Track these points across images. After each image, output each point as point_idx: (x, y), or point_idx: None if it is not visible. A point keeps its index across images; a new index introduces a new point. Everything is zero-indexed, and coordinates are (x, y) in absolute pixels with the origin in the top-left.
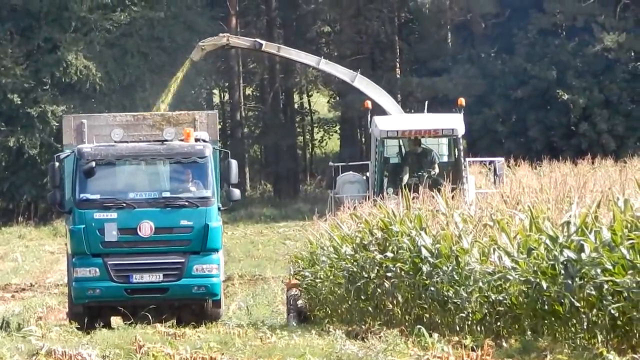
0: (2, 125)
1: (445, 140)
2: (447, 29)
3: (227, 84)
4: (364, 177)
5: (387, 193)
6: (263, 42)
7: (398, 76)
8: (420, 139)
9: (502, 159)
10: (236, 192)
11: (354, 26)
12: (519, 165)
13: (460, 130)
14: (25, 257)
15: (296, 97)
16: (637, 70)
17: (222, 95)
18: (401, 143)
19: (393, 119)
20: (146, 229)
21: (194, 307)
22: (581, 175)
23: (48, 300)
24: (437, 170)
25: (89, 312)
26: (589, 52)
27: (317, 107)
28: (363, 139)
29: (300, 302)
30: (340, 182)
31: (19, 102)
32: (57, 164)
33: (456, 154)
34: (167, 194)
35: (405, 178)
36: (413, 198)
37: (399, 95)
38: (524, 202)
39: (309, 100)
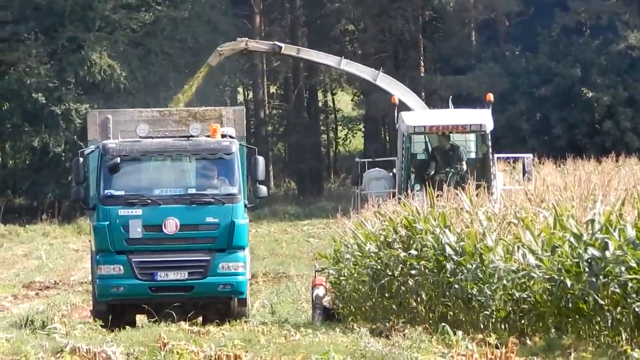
0: (26, 125)
1: (472, 137)
2: (471, 27)
3: (251, 82)
4: (390, 174)
5: (414, 190)
6: (282, 44)
7: (422, 74)
8: (448, 134)
9: (530, 156)
10: (263, 189)
11: (377, 25)
12: (542, 163)
13: (489, 125)
14: (50, 255)
15: (320, 95)
16: None
17: (246, 94)
18: (428, 139)
19: (420, 115)
20: (171, 226)
21: (219, 306)
22: (605, 173)
23: (72, 298)
24: (465, 166)
25: (112, 310)
26: (613, 50)
27: (340, 105)
28: (387, 137)
29: (326, 300)
30: (366, 178)
31: (44, 101)
32: (81, 159)
33: (484, 150)
34: (193, 191)
35: (432, 174)
36: (437, 196)
37: (422, 94)
38: (548, 200)
39: (332, 99)
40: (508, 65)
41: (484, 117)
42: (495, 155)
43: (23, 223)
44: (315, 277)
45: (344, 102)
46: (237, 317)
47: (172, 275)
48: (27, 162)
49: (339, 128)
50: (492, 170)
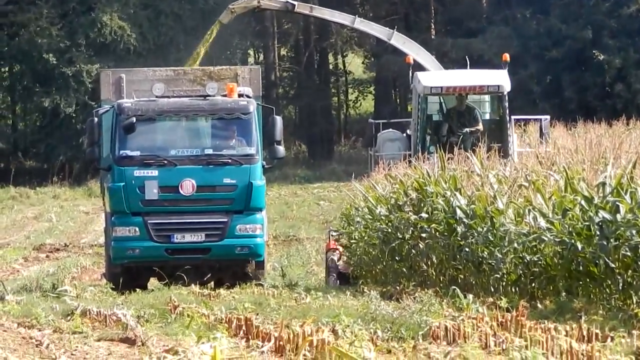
0: (37, 86)
1: (486, 98)
2: None
3: (261, 45)
4: (404, 135)
5: (429, 151)
6: (295, 2)
7: (433, 37)
8: (465, 95)
9: (547, 117)
10: (280, 150)
11: None
12: (553, 126)
13: (507, 86)
14: (60, 217)
15: (331, 58)
16: None
17: (256, 56)
18: (443, 100)
19: (436, 75)
20: (188, 187)
21: (236, 269)
22: (616, 136)
23: (82, 261)
24: (481, 127)
25: (127, 273)
26: (625, 13)
27: (351, 68)
28: (398, 100)
29: (340, 264)
30: (380, 140)
31: (55, 62)
32: (95, 119)
33: (501, 112)
34: (210, 151)
35: (448, 136)
36: (448, 159)
37: (433, 56)
38: (559, 163)
39: (343, 61)
40: (519, 28)
41: (501, 78)
42: (513, 117)
43: (33, 185)
44: (329, 240)
45: (355, 64)
46: (254, 279)
47: (189, 237)
48: (38, 124)
49: (350, 91)
50: (509, 132)
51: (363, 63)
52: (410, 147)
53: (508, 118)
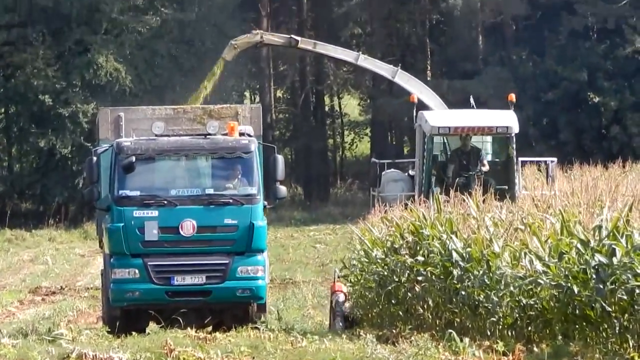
0: (33, 127)
1: (489, 138)
2: (478, 31)
3: (257, 86)
4: (407, 175)
5: (434, 192)
6: (299, 38)
7: (429, 78)
8: (471, 136)
9: (554, 160)
10: (282, 190)
11: (385, 28)
12: (539, 170)
13: (515, 127)
14: (56, 260)
15: (327, 100)
16: None
17: (252, 98)
18: (446, 140)
19: (443, 115)
20: (188, 227)
21: (237, 311)
22: (612, 179)
23: (78, 304)
24: (487, 168)
25: (126, 316)
26: (620, 55)
27: (347, 110)
28: (393, 141)
29: (346, 307)
30: (384, 180)
31: (50, 103)
32: (94, 158)
33: (510, 153)
34: (211, 191)
35: (451, 176)
36: (445, 201)
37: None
38: (555, 206)
39: (339, 103)
40: (515, 70)
41: (510, 119)
42: (520, 159)
43: (29, 228)
44: (334, 282)
45: (351, 106)
46: (255, 322)
47: (190, 280)
48: (34, 165)
49: (346, 132)
50: (517, 173)
51: (359, 105)
52: (413, 187)
53: (516, 160)
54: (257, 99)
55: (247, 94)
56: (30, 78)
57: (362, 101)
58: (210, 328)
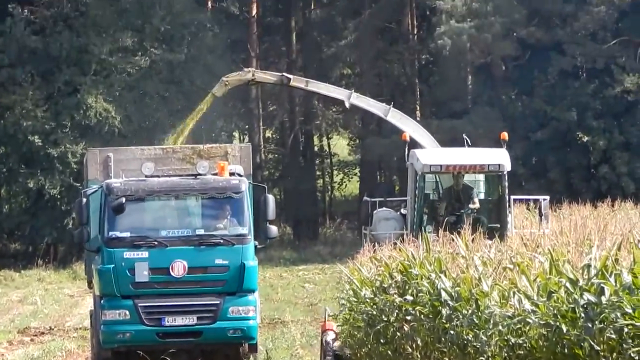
0: (22, 168)
1: (482, 177)
2: (467, 71)
3: (247, 127)
4: (399, 214)
5: (427, 230)
6: (291, 76)
7: (418, 118)
8: (463, 174)
9: (547, 198)
10: (273, 229)
11: (374, 69)
12: (530, 210)
13: (507, 166)
14: (45, 300)
15: (316, 140)
16: None
17: (242, 138)
18: (438, 178)
19: (435, 153)
20: (179, 268)
21: (229, 352)
22: (601, 218)
23: (67, 344)
24: (477, 205)
25: (117, 357)
26: (609, 94)
27: (336, 150)
28: (383, 180)
29: (336, 346)
30: (375, 218)
31: (40, 144)
32: (84, 200)
33: (500, 191)
34: (201, 232)
35: (443, 215)
36: (435, 240)
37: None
38: (544, 245)
39: (328, 143)
40: (504, 109)
41: (501, 157)
42: (512, 197)
43: (19, 268)
44: (325, 321)
45: (340, 146)
46: None
47: (181, 321)
48: (23, 205)
49: (335, 172)
50: (509, 212)
51: (348, 145)
52: (405, 226)
53: (508, 198)
54: (247, 139)
55: (236, 134)
56: (20, 119)
57: (351, 141)
58: None
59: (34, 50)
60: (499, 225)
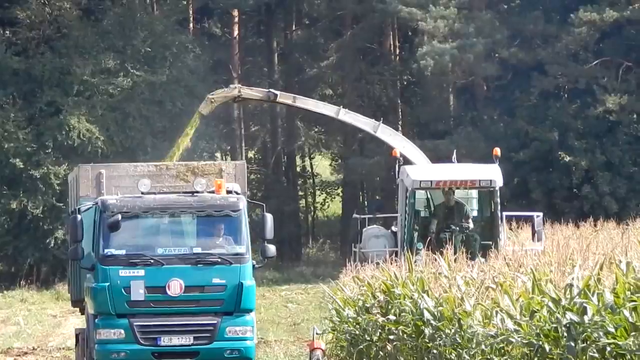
0: (4, 189)
1: (474, 193)
2: (449, 91)
3: (229, 147)
4: (389, 231)
5: (417, 248)
6: (277, 92)
7: None
8: (454, 190)
9: (540, 214)
10: (271, 249)
11: (356, 90)
12: (521, 228)
13: (499, 181)
14: (28, 320)
15: (298, 160)
16: (639, 132)
17: (224, 159)
18: (429, 195)
19: (425, 169)
20: (175, 287)
21: None
22: (584, 238)
23: None
24: (470, 224)
25: None
26: (591, 114)
27: (319, 170)
28: (365, 202)
29: None
30: (365, 236)
31: (22, 166)
32: (79, 217)
33: (492, 207)
34: (198, 250)
35: (435, 232)
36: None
37: (400, 159)
38: (527, 265)
39: (311, 163)
40: (486, 130)
41: (493, 172)
42: (505, 214)
43: (1, 289)
44: (313, 340)
45: (322, 166)
46: None
47: (177, 340)
48: (6, 226)
49: (317, 192)
50: (501, 228)
51: (330, 165)
52: (396, 243)
53: (500, 214)
54: (229, 159)
55: (218, 154)
56: (1, 141)
57: (333, 161)
58: None
59: (15, 71)
60: (492, 242)
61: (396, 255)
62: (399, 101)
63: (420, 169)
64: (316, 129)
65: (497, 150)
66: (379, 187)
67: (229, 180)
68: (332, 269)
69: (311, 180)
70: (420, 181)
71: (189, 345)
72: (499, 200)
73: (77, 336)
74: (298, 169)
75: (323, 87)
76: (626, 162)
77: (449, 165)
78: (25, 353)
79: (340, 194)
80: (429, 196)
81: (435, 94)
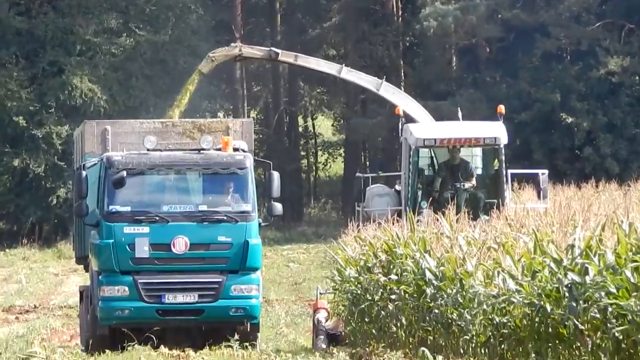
0: (6, 147)
1: (479, 151)
2: (451, 52)
3: (231, 107)
4: (393, 190)
5: (421, 207)
6: (279, 50)
7: None
8: (459, 148)
9: (546, 172)
10: (278, 207)
11: (358, 51)
12: (522, 189)
13: (504, 139)
14: (29, 279)
15: (300, 121)
16: None
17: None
18: (433, 153)
19: (429, 127)
20: (180, 245)
21: (230, 331)
22: (585, 199)
23: (52, 322)
24: (474, 182)
25: (113, 335)
26: (593, 76)
27: (321, 130)
28: (367, 162)
29: (328, 325)
30: (369, 194)
31: (24, 125)
32: (84, 172)
33: (497, 165)
34: (204, 208)
35: (439, 190)
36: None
37: (402, 119)
38: (528, 225)
39: (313, 124)
40: (488, 91)
41: (498, 130)
42: (510, 171)
43: (3, 247)
44: (317, 300)
45: (324, 126)
46: (248, 341)
47: (181, 298)
48: (8, 185)
49: (319, 153)
50: (506, 186)
51: (333, 125)
52: (399, 202)
53: (505, 172)
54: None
55: (220, 114)
56: (4, 100)
57: (335, 121)
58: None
59: (18, 31)
60: (497, 200)
61: (400, 215)
62: (402, 62)
63: (424, 126)
64: (319, 90)
65: (502, 108)
66: (381, 147)
67: (236, 138)
68: (333, 228)
69: (313, 141)
70: (424, 139)
71: (193, 303)
72: (504, 157)
73: (81, 293)
74: (300, 129)
75: (326, 48)
76: (628, 124)
77: (453, 123)
78: (27, 311)
79: (342, 154)
80: (432, 154)
81: (438, 55)
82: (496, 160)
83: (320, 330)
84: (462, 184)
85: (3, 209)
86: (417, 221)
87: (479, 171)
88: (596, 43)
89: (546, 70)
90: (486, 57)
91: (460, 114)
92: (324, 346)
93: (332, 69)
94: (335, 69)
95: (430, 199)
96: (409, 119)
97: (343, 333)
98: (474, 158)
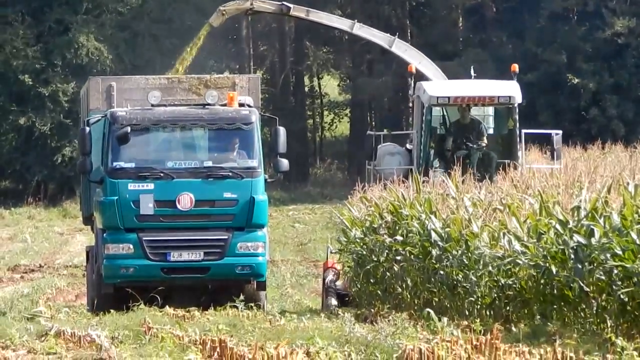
0: (12, 105)
1: (491, 111)
2: (458, 12)
3: (237, 67)
4: (404, 149)
5: (433, 166)
6: (291, 5)
7: None
8: (470, 107)
9: (560, 132)
10: (284, 163)
11: (365, 10)
12: (529, 150)
13: (518, 97)
14: (35, 238)
15: (306, 80)
16: None
17: None
18: (446, 112)
19: (443, 85)
20: (186, 201)
21: (236, 289)
22: (591, 160)
23: (57, 282)
24: (485, 142)
25: (118, 295)
26: (600, 37)
27: (327, 90)
28: (373, 123)
29: (339, 284)
30: (380, 153)
31: (30, 83)
32: (88, 129)
33: (511, 125)
34: (209, 164)
35: (450, 150)
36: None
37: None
38: (534, 187)
39: (319, 84)
40: (495, 51)
41: (512, 89)
42: (524, 131)
43: (9, 206)
44: (327, 259)
45: (331, 86)
46: (254, 301)
47: (187, 256)
48: (13, 143)
49: (325, 113)
50: (519, 146)
51: (339, 85)
52: (411, 161)
53: (519, 132)
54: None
55: (227, 74)
56: (10, 58)
57: (342, 81)
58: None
59: None
60: (510, 161)
61: (411, 173)
62: (408, 22)
63: (437, 84)
64: (325, 49)
65: (515, 67)
66: (387, 107)
67: (243, 94)
68: (339, 189)
69: (319, 101)
70: (438, 97)
71: (199, 261)
72: (517, 117)
73: (87, 253)
74: (306, 89)
75: (332, 8)
76: (634, 85)
77: (467, 81)
78: (32, 270)
79: (348, 114)
80: (445, 113)
81: (444, 15)
82: (509, 120)
83: (330, 291)
84: (477, 141)
85: (9, 168)
86: (426, 181)
87: (491, 131)
88: (603, 4)
89: (552, 31)
90: (493, 17)
91: (473, 73)
92: (335, 303)
93: (344, 24)
94: (347, 25)
95: (443, 158)
96: (419, 78)
97: (351, 292)
98: (486, 118)
